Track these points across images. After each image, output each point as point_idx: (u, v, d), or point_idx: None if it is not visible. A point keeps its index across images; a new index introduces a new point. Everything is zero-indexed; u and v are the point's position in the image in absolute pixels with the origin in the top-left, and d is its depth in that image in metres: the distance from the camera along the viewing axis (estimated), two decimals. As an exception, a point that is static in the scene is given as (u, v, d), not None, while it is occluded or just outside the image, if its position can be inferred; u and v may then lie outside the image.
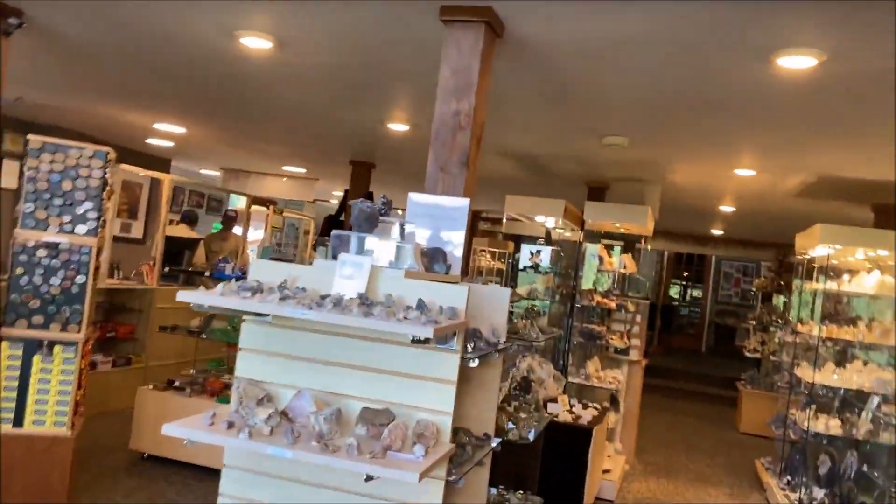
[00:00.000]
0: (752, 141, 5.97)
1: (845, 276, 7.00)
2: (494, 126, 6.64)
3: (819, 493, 6.46)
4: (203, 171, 14.06)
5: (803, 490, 6.48)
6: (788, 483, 6.92)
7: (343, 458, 2.21)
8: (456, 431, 3.02)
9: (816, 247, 6.69)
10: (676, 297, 21.72)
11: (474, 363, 2.59)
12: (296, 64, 5.13)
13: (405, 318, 2.29)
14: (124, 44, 5.23)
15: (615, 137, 6.07)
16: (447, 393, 2.54)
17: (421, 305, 2.45)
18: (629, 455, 7.83)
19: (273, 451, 2.24)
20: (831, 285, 6.90)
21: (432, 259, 3.13)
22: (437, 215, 3.36)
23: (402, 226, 3.02)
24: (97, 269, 4.79)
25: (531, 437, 3.82)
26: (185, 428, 2.35)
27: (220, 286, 2.40)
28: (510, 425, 3.83)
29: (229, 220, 9.64)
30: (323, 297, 2.41)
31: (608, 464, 6.97)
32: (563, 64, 4.43)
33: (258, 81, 5.83)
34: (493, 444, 3.09)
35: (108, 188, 4.72)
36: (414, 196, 3.37)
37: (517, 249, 11.02)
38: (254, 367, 2.71)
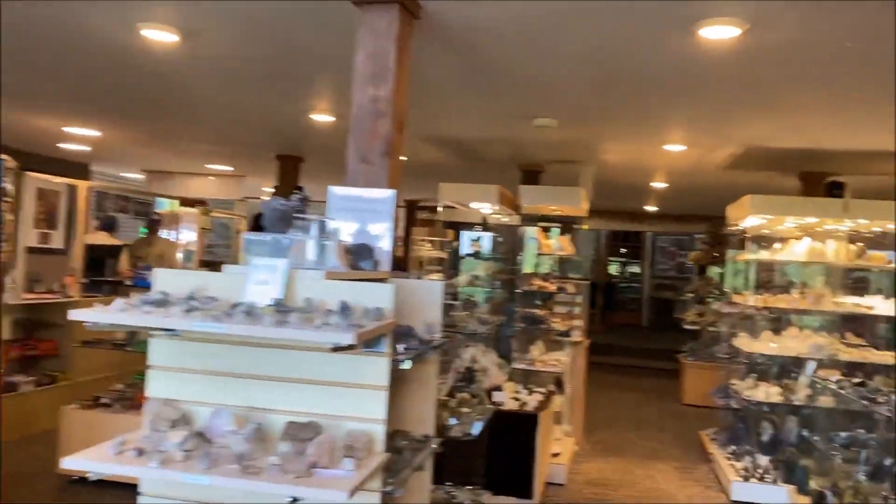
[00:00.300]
0: (679, 115, 5.96)
1: (777, 245, 7.11)
2: (423, 113, 6.48)
3: (763, 460, 6.55)
4: (126, 175, 13.49)
5: (748, 458, 6.57)
6: (734, 453, 7.01)
7: (265, 480, 2.03)
8: (393, 436, 2.87)
9: (747, 217, 6.75)
10: (616, 274, 22.02)
11: (406, 365, 2.44)
12: (206, 57, 4.86)
13: (325, 324, 2.11)
14: (20, 43, 4.85)
15: (545, 119, 5.99)
16: (378, 399, 2.38)
17: (344, 308, 2.28)
18: (578, 436, 7.83)
19: (187, 479, 2.04)
20: (764, 254, 7.00)
21: (358, 256, 2.96)
22: (361, 209, 3.18)
23: (322, 223, 2.84)
24: (2, 286, 4.45)
25: (475, 431, 3.70)
26: (88, 459, 2.13)
27: (117, 301, 2.18)
28: (452, 421, 3.71)
29: (154, 223, 9.25)
30: (235, 307, 2.22)
31: (557, 447, 6.94)
32: (485, 45, 4.29)
33: (169, 78, 5.52)
34: (434, 446, 2.95)
35: (6, 199, 4.38)
36: (335, 190, 3.18)
37: (457, 237, 10.91)
38: (166, 385, 2.49)
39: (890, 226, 6.46)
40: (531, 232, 7.93)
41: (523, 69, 4.79)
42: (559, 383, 7.47)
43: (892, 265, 6.33)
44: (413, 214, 14.52)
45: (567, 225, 8.75)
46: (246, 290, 2.36)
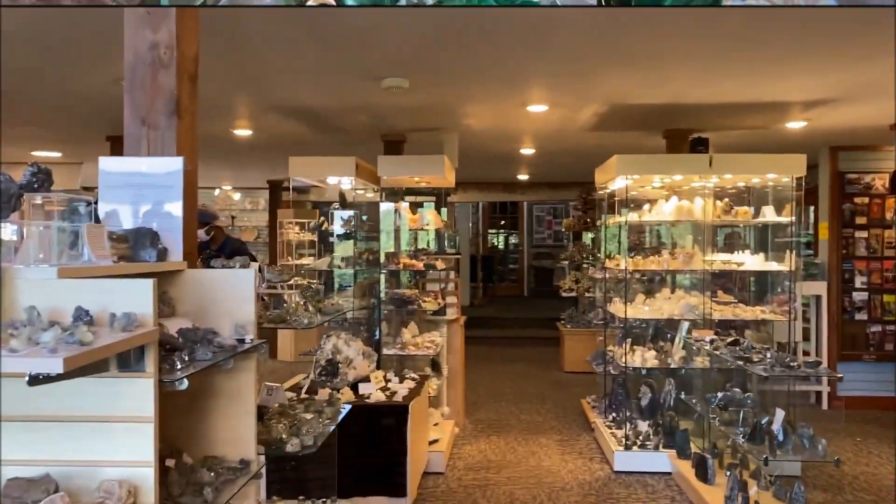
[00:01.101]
0: (537, 72, 5.56)
1: (646, 206, 6.94)
2: (263, 80, 5.78)
3: (643, 425, 6.40)
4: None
5: (628, 425, 6.38)
6: (614, 420, 6.84)
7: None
8: (197, 467, 2.28)
9: (615, 179, 6.52)
10: (497, 246, 21.98)
11: (182, 385, 1.85)
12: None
13: (35, 343, 1.48)
14: None
15: (394, 79, 5.42)
16: (143, 435, 1.78)
17: (79, 317, 1.66)
18: (458, 417, 7.47)
19: None
20: (633, 217, 6.81)
21: (136, 244, 2.32)
22: (142, 184, 2.53)
23: (86, 204, 2.18)
24: None
25: (317, 442, 3.15)
26: None
27: None
28: (291, 436, 3.12)
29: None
30: (-89, 327, 1.55)
31: (435, 433, 6.53)
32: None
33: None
34: (250, 476, 2.38)
35: None
36: (105, 162, 2.51)
37: (321, 216, 10.24)
38: None
39: (754, 179, 6.39)
40: (401, 208, 7.43)
41: (357, 20, 4.21)
42: (435, 365, 7.05)
43: (758, 219, 6.27)
44: (277, 195, 13.67)
45: (441, 198, 8.31)
46: (-59, 302, 1.69)
